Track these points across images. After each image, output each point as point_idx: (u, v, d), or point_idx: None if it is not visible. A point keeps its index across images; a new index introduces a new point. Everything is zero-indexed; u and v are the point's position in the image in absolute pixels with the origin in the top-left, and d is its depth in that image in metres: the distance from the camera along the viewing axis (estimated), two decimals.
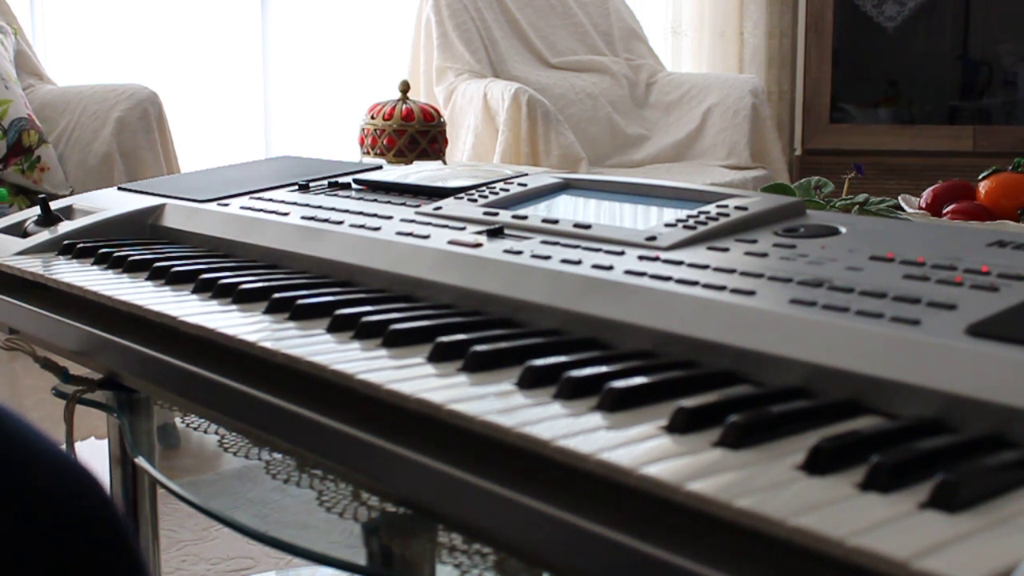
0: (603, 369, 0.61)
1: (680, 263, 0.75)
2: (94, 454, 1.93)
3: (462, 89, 3.33)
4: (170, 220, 1.12)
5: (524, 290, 0.76)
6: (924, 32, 4.67)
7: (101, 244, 1.04)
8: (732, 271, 0.72)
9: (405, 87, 2.23)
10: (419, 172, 1.18)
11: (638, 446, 0.52)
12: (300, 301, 0.79)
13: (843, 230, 0.79)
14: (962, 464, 0.48)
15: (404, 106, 2.18)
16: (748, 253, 0.76)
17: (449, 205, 0.98)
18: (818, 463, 0.49)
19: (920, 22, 4.57)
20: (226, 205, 1.11)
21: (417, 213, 0.98)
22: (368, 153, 2.19)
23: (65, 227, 1.13)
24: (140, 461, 0.93)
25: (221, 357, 0.75)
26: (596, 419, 0.56)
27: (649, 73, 3.77)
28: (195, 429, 0.85)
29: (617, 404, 0.57)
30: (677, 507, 0.47)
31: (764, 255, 0.75)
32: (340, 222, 0.98)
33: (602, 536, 0.48)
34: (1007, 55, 4.55)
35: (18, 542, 0.41)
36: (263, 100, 3.61)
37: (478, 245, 0.85)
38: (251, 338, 0.73)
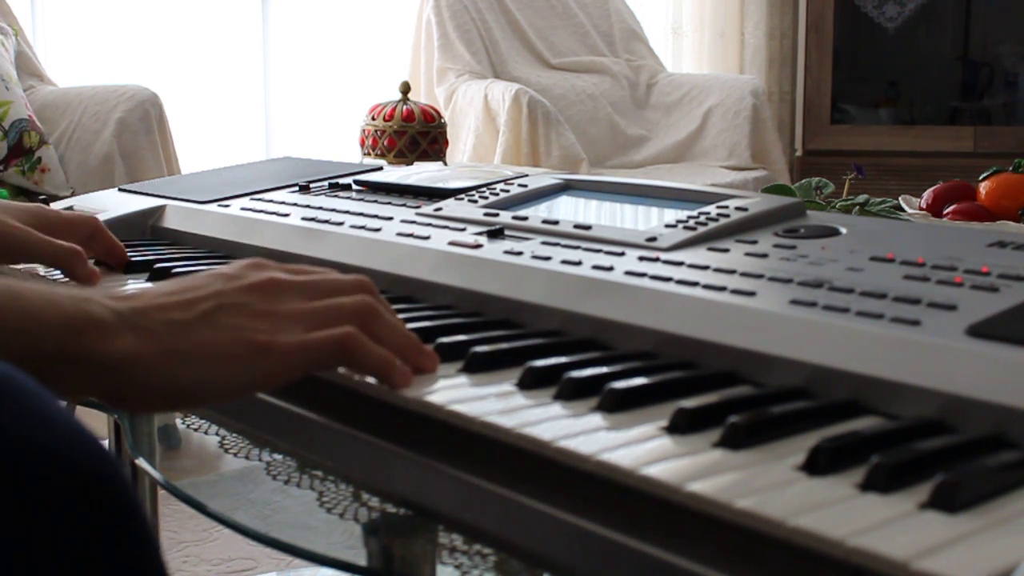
0: (603, 370, 0.61)
1: (680, 264, 0.75)
2: None
3: (463, 90, 3.33)
4: (171, 221, 1.12)
5: (524, 291, 0.76)
6: (925, 33, 4.67)
7: None
8: (732, 272, 0.72)
9: (406, 88, 2.23)
10: (419, 173, 1.18)
11: (638, 447, 0.52)
12: None
13: (843, 231, 0.79)
14: (962, 464, 0.48)
15: (405, 107, 2.18)
16: (748, 254, 0.76)
17: (449, 206, 0.98)
18: (818, 463, 0.49)
19: (921, 23, 4.57)
20: (227, 206, 1.11)
21: (417, 214, 0.98)
22: (369, 154, 2.19)
23: None
24: (140, 462, 0.93)
25: None
26: (596, 420, 0.56)
27: (650, 74, 3.77)
28: (195, 430, 0.85)
29: (617, 405, 0.57)
30: (677, 508, 0.47)
31: (764, 256, 0.75)
32: (340, 223, 0.98)
33: (602, 536, 0.48)
34: (1008, 56, 4.56)
35: (16, 500, 0.40)
36: (264, 101, 3.61)
37: (478, 246, 0.85)
38: None
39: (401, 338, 0.64)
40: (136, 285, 0.91)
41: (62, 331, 0.55)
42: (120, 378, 0.56)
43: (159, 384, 0.57)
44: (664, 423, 0.55)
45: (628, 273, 0.74)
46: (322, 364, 0.62)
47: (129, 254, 0.98)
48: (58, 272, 0.92)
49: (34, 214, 0.91)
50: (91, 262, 0.92)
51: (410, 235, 0.91)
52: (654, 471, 0.49)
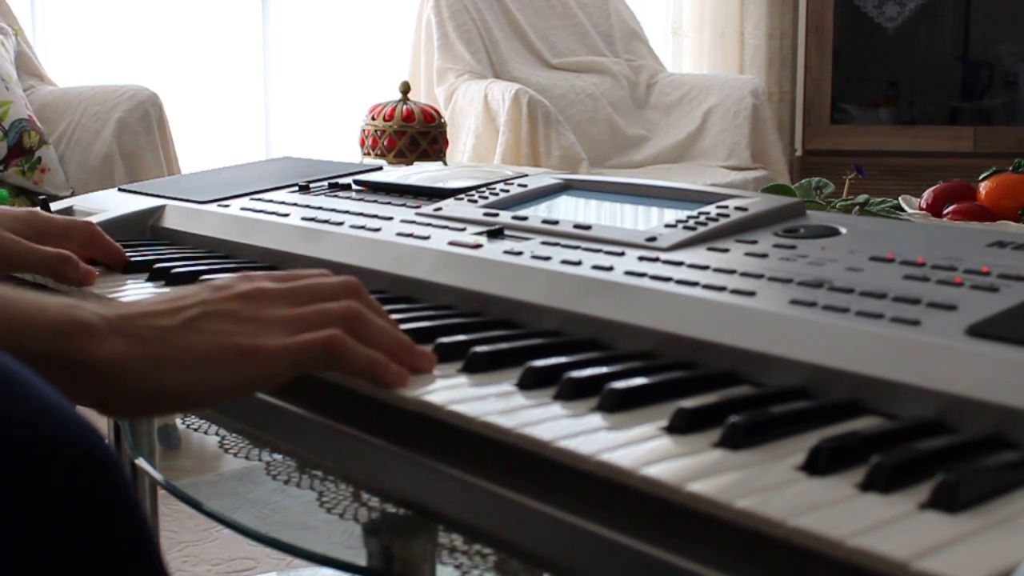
0: (603, 370, 0.61)
1: (680, 264, 0.75)
2: None
3: (463, 90, 3.33)
4: (171, 221, 1.12)
5: (524, 291, 0.76)
6: (924, 33, 4.67)
7: None
8: (732, 272, 0.72)
9: (406, 88, 2.22)
10: (419, 173, 1.18)
11: (638, 447, 0.52)
12: None
13: (843, 231, 0.79)
14: (962, 464, 0.48)
15: (404, 107, 2.17)
16: (748, 254, 0.76)
17: (449, 206, 0.98)
18: (818, 463, 0.49)
19: (920, 23, 4.57)
20: (227, 206, 1.11)
21: (417, 214, 0.98)
22: (369, 154, 2.19)
23: None
24: (140, 462, 0.93)
25: None
26: (596, 420, 0.56)
27: (650, 74, 3.77)
28: (196, 430, 0.85)
29: (617, 405, 0.57)
30: (677, 508, 0.47)
31: (764, 256, 0.75)
32: (340, 223, 0.98)
33: (602, 536, 0.48)
34: (1007, 56, 4.55)
35: (13, 487, 0.41)
36: (263, 101, 3.61)
37: (478, 246, 0.85)
38: None
39: (390, 339, 0.64)
40: (135, 285, 0.91)
41: (51, 334, 0.55)
42: (108, 383, 0.57)
43: (147, 389, 0.58)
44: (664, 423, 0.55)
45: (628, 273, 0.74)
46: (308, 367, 0.62)
47: (129, 254, 0.98)
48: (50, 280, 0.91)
49: (26, 222, 0.91)
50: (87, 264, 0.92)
51: (410, 235, 0.91)
52: (654, 471, 0.49)
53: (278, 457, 0.74)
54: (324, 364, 0.63)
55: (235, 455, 0.77)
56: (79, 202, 1.24)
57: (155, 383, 0.58)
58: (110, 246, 0.96)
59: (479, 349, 0.65)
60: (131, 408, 0.59)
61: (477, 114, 3.21)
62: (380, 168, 1.26)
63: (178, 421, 0.90)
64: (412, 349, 0.65)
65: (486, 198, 0.99)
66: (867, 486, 0.47)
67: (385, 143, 2.15)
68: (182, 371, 0.58)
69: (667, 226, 0.83)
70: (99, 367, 0.56)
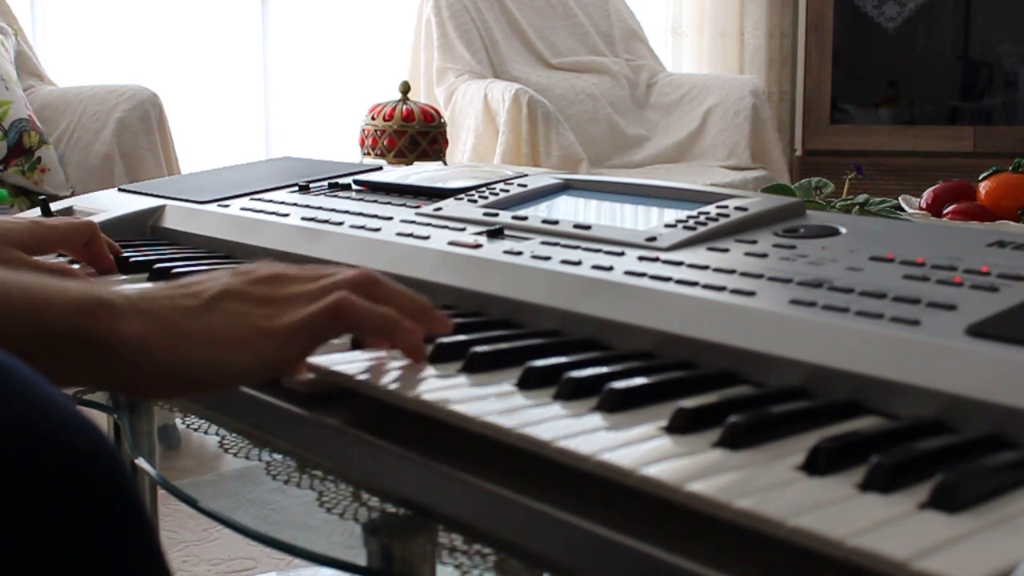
0: (603, 370, 0.61)
1: (680, 264, 0.75)
2: None
3: (462, 90, 3.33)
4: (170, 221, 1.12)
5: (524, 291, 0.76)
6: (924, 32, 4.67)
7: None
8: (732, 272, 0.72)
9: (405, 88, 2.23)
10: (419, 173, 1.18)
11: (638, 447, 0.52)
12: None
13: (843, 230, 0.79)
14: (962, 464, 0.48)
15: (404, 107, 2.17)
16: (748, 254, 0.76)
17: (449, 206, 0.98)
18: (818, 463, 0.49)
19: (920, 22, 4.57)
20: (226, 206, 1.11)
21: (417, 214, 0.98)
22: (368, 154, 2.19)
23: None
24: (140, 462, 0.93)
25: None
26: (596, 420, 0.56)
27: (649, 74, 3.77)
28: (195, 430, 0.85)
29: (617, 405, 0.57)
30: (677, 508, 0.47)
31: (764, 256, 0.75)
32: (340, 223, 0.98)
33: (602, 536, 0.48)
34: (1007, 55, 4.56)
35: (13, 483, 0.41)
36: (263, 101, 3.61)
37: (478, 246, 0.85)
38: None
39: (407, 301, 0.64)
40: (134, 286, 0.91)
41: (72, 313, 0.55)
42: (129, 361, 0.57)
43: (167, 368, 0.58)
44: (664, 423, 0.55)
45: (628, 273, 0.74)
46: (323, 334, 0.63)
47: (129, 254, 0.98)
48: None
49: (30, 231, 0.91)
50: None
51: (410, 235, 0.91)
52: (654, 471, 0.49)
53: (278, 457, 0.74)
54: (337, 328, 0.63)
55: (235, 455, 0.77)
56: (79, 202, 1.24)
57: (177, 361, 0.58)
58: (102, 253, 0.95)
59: (479, 349, 0.65)
60: (153, 387, 0.59)
61: (477, 114, 3.21)
62: (380, 168, 1.26)
63: (178, 421, 0.90)
64: (429, 311, 0.65)
65: (486, 198, 0.99)
66: (867, 486, 0.47)
67: (385, 143, 2.15)
68: (203, 349, 0.59)
69: (667, 226, 0.83)
70: (121, 344, 0.56)
